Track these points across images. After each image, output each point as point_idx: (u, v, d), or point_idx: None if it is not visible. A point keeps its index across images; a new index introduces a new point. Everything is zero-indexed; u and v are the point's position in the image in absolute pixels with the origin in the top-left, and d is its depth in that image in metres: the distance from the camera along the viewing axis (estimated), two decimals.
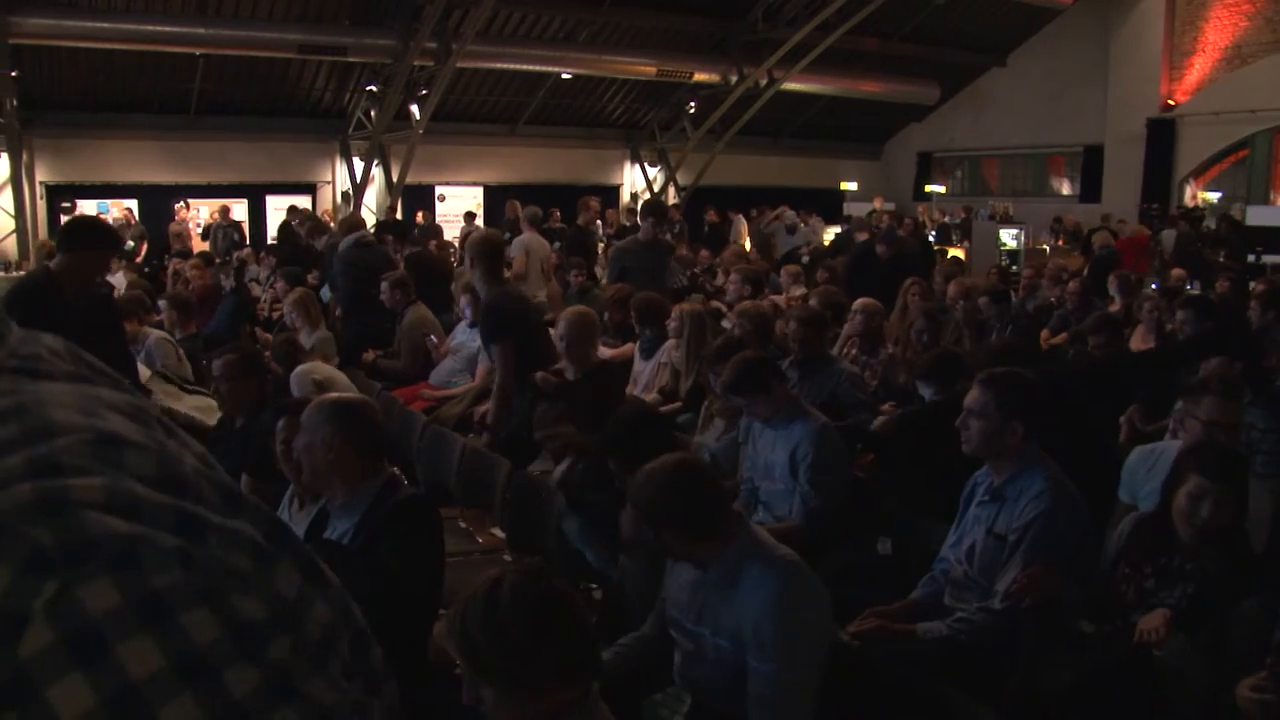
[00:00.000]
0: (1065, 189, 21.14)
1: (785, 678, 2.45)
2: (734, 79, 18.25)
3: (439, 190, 19.04)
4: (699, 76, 18.30)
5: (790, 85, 18.75)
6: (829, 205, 19.27)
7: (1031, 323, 7.66)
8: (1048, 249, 16.45)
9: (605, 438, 3.36)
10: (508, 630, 1.66)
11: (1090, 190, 19.94)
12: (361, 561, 2.69)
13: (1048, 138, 20.55)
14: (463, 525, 4.59)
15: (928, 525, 3.68)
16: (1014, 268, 14.21)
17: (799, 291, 8.63)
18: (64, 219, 10.92)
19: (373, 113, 16.62)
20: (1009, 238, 16.60)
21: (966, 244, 16.65)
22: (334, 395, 3.05)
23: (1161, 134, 18.42)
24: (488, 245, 5.55)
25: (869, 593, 3.31)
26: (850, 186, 20.84)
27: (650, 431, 3.47)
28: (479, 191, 19.30)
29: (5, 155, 14.45)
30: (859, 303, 6.17)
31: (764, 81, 18.38)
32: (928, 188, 21.18)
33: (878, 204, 17.89)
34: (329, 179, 18.18)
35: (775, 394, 3.97)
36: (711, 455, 4.37)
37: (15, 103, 13.97)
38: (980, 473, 3.28)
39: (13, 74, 13.46)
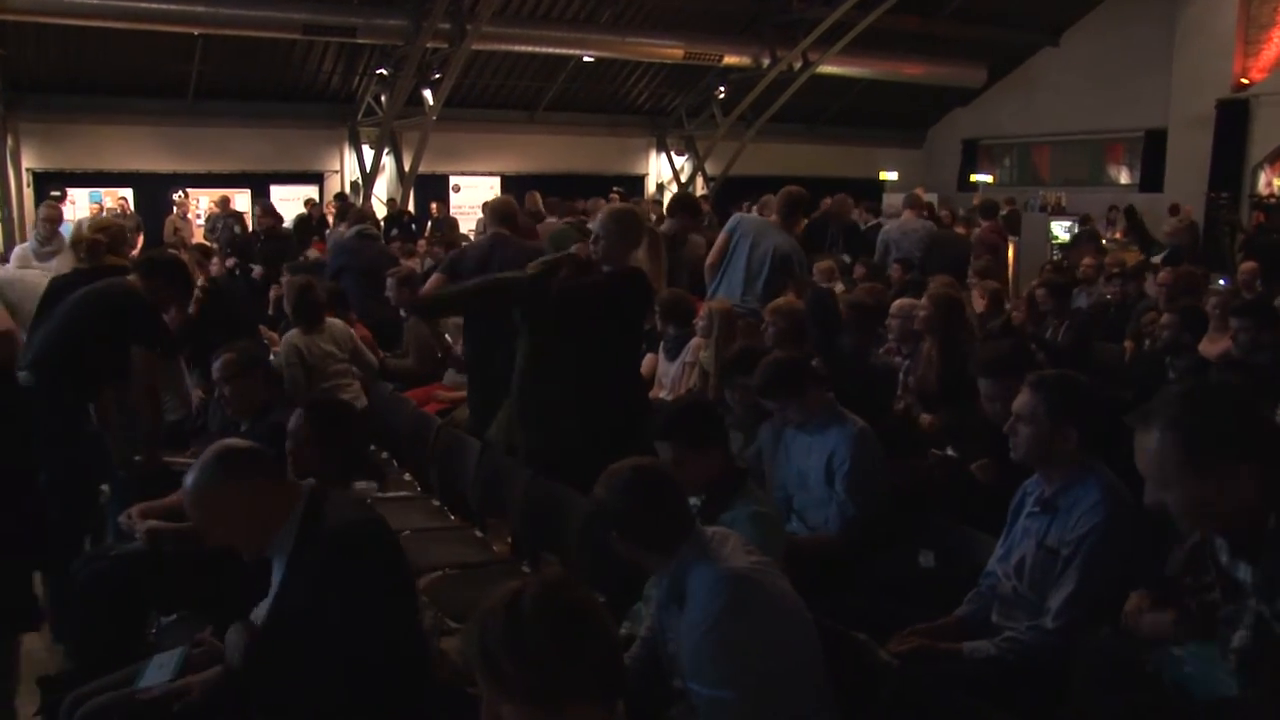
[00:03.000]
0: (1124, 177, 20.98)
1: (727, 707, 2.44)
2: (766, 62, 18.24)
3: (454, 180, 19.17)
4: (729, 59, 18.31)
5: (826, 68, 18.74)
6: (868, 196, 19.23)
7: (1087, 320, 7.60)
8: (1105, 242, 16.31)
9: (663, 423, 3.38)
10: (530, 643, 1.66)
11: (1152, 178, 19.74)
12: (308, 621, 2.58)
13: (1105, 122, 20.39)
14: (479, 534, 4.63)
15: (973, 537, 3.67)
16: (1067, 263, 14.11)
17: (838, 288, 8.61)
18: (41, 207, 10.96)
19: (383, 98, 16.73)
20: (1061, 230, 16.47)
21: (1015, 239, 16.53)
22: (223, 445, 2.83)
23: (1233, 116, 18.13)
24: (491, 207, 5.62)
25: (910, 609, 3.31)
26: (890, 176, 20.79)
27: (712, 418, 3.48)
28: (496, 182, 19.38)
29: None
30: (895, 305, 6.23)
31: (798, 64, 18.36)
32: (973, 177, 21.10)
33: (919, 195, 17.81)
34: (337, 168, 18.33)
35: (809, 398, 3.98)
36: None
37: None
38: (1030, 482, 3.26)
39: None
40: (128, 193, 16.54)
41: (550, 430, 4.27)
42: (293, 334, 5.74)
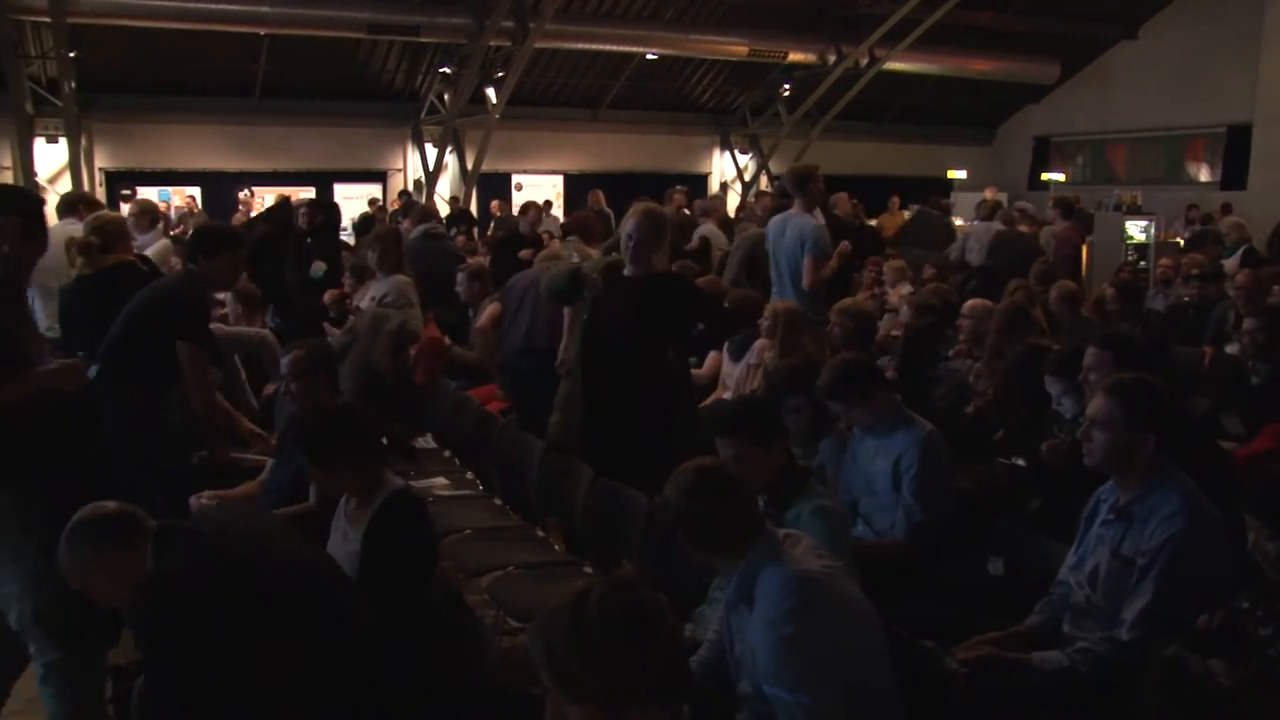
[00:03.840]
0: (1204, 175, 20.52)
1: (806, 708, 2.43)
2: (832, 59, 18.14)
3: (516, 179, 19.30)
4: (794, 56, 18.23)
5: (893, 65, 18.58)
6: (936, 195, 19.02)
7: (1163, 322, 7.44)
8: (1181, 242, 15.95)
9: (725, 419, 3.39)
10: (595, 644, 1.68)
11: (1234, 176, 19.25)
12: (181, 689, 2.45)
13: (1184, 118, 19.95)
14: (540, 534, 4.66)
15: (1044, 544, 3.62)
16: (1143, 263, 13.85)
17: (905, 289, 8.59)
18: (124, 206, 11.29)
19: (446, 96, 16.91)
20: (1137, 230, 16.13)
21: (1089, 239, 16.24)
22: (80, 517, 2.64)
23: None
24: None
25: (978, 616, 3.27)
26: (959, 175, 20.51)
27: (774, 413, 3.48)
28: (559, 180, 19.50)
29: (64, 140, 14.99)
30: (967, 305, 6.19)
31: (864, 61, 18.24)
32: (1045, 176, 20.72)
33: (989, 195, 17.55)
34: (400, 166, 18.55)
35: (877, 400, 3.95)
36: None
37: (74, 85, 14.46)
38: (1104, 489, 3.20)
39: (71, 55, 13.92)
40: (195, 191, 16.90)
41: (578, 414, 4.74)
42: (400, 277, 6.19)
